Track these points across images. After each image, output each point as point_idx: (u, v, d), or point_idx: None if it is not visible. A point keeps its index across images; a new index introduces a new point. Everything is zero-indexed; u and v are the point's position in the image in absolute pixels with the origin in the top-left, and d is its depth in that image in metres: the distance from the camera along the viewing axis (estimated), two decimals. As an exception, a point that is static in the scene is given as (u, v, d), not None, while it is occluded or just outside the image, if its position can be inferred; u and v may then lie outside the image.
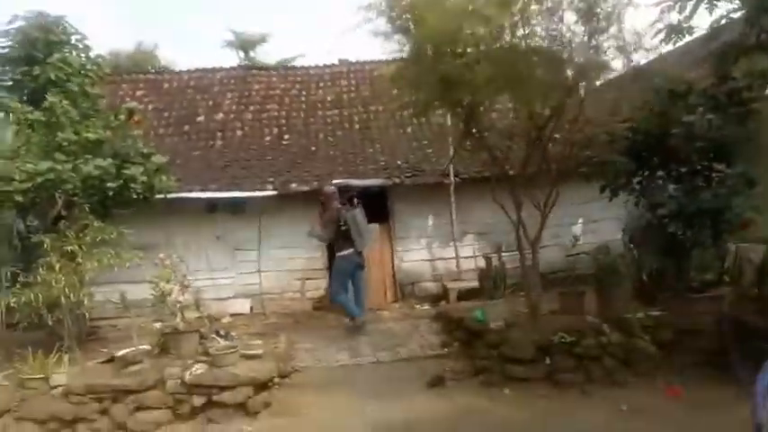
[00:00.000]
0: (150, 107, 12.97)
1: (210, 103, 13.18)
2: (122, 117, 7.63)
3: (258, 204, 10.05)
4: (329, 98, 13.39)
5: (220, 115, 12.81)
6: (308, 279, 10.18)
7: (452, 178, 9.98)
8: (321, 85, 13.86)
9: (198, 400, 5.72)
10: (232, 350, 6.14)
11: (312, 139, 12.13)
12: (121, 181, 7.24)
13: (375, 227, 9.58)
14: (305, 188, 9.57)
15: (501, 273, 6.81)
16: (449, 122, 9.57)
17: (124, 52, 19.56)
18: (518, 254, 6.95)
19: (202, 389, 5.73)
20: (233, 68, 14.59)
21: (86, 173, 6.90)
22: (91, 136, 7.10)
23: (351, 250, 8.25)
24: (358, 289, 8.48)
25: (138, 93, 13.44)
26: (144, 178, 7.44)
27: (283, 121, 12.73)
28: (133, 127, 7.80)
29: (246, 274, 10.12)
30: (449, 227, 10.22)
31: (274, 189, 9.68)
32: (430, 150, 11.22)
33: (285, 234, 10.13)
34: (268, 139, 12.26)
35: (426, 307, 9.68)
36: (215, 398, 5.71)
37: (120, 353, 6.17)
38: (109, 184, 7.16)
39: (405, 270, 10.34)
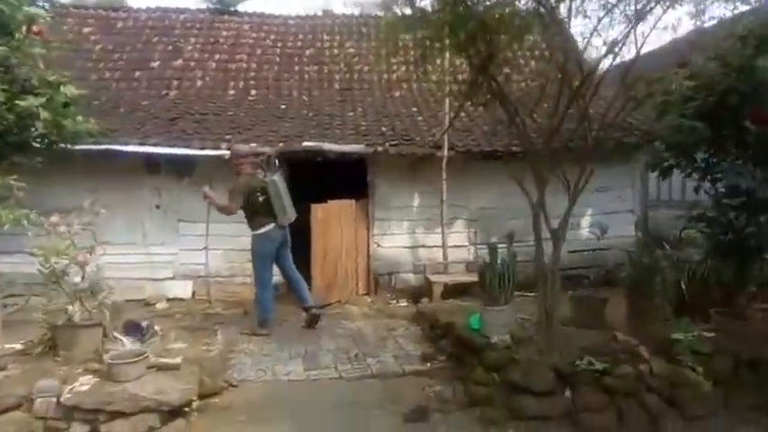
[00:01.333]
0: (98, 47, 11.01)
1: (170, 48, 11.25)
2: (21, 34, 5.70)
3: (209, 168, 8.27)
4: (308, 52, 11.56)
5: (179, 62, 10.90)
6: (265, 261, 8.44)
7: (446, 151, 8.30)
8: (300, 37, 12.01)
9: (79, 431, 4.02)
10: (138, 358, 4.42)
11: (284, 97, 10.32)
12: (12, 116, 5.39)
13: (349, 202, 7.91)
14: (267, 150, 7.80)
15: (510, 268, 5.16)
16: (447, 84, 7.86)
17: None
18: (527, 245, 5.35)
19: (86, 413, 4.02)
20: (200, 11, 12.61)
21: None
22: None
23: (272, 225, 6.69)
24: (290, 273, 6.96)
25: (86, 29, 11.44)
26: (46, 115, 5.57)
27: (252, 74, 10.88)
28: (35, 43, 5.86)
29: (190, 251, 8.36)
30: (437, 209, 8.56)
31: (228, 149, 7.88)
32: (421, 118, 9.51)
33: (241, 205, 8.37)
34: (232, 93, 10.41)
35: (405, 304, 8.05)
36: (103, 428, 4.00)
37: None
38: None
39: (381, 257, 8.68)
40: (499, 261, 5.16)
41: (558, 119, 4.82)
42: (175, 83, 10.49)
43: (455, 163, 8.48)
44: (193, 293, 8.33)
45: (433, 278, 7.96)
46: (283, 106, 9.84)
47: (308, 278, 7.87)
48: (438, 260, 8.59)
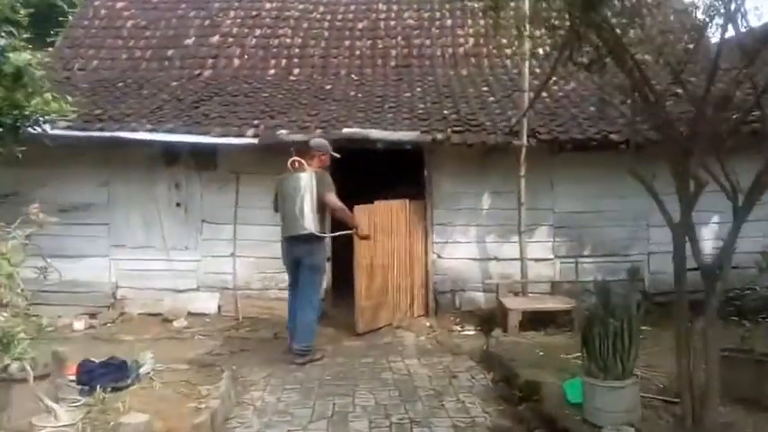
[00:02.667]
0: (130, 23, 9.94)
1: (206, 22, 10.01)
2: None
3: (236, 159, 6.93)
4: (360, 25, 10.02)
5: (216, 38, 9.65)
6: (301, 272, 7.03)
7: (525, 139, 6.54)
8: (352, 8, 10.47)
9: None
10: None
11: (330, 76, 8.85)
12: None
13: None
14: (297, 137, 6.33)
15: (634, 325, 3.39)
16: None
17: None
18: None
19: None
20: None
21: None
22: None
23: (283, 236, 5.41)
24: (296, 298, 5.51)
25: (119, 4, 10.39)
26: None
27: (296, 51, 9.46)
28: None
29: (215, 258, 7.08)
30: (513, 213, 6.84)
31: (255, 136, 6.49)
32: (492, 99, 7.78)
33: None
34: (272, 72, 9.05)
35: (471, 332, 6.41)
36: None
37: None
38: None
39: (443, 271, 7.07)
40: (613, 310, 3.41)
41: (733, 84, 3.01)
42: (210, 62, 9.24)
43: (537, 155, 6.72)
44: (219, 308, 7.04)
45: (508, 302, 6.25)
46: (329, 87, 8.36)
47: (349, 296, 6.42)
48: (514, 277, 6.88)
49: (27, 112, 4.28)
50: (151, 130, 6.50)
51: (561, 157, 6.89)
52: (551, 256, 7.05)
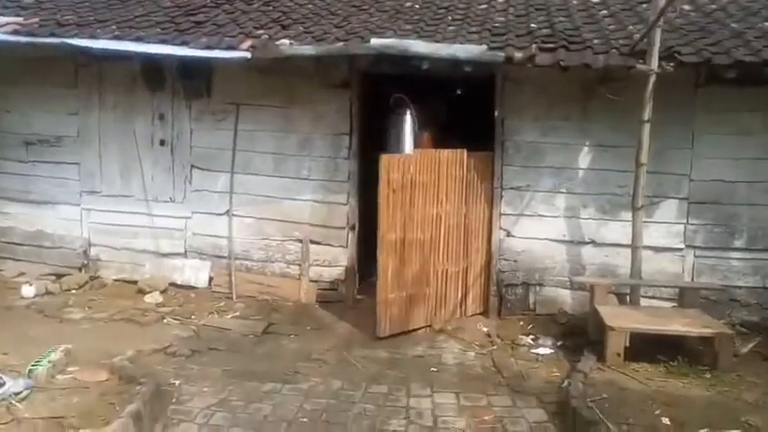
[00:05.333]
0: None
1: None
2: None
3: (234, 85, 5.11)
4: None
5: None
6: (315, 242, 5.17)
7: (654, 62, 4.13)
8: None
9: None
10: None
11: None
12: None
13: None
14: (305, 49, 4.35)
15: None
16: None
17: None
18: None
19: None
20: None
21: None
22: None
23: None
24: None
25: None
26: None
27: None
28: None
29: (208, 216, 5.37)
30: (626, 177, 4.53)
31: (251, 48, 4.56)
32: (605, 12, 5.36)
33: (282, 148, 5.16)
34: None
35: (547, 350, 4.28)
36: None
37: None
38: None
39: (513, 255, 4.93)
40: None
41: None
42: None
43: (671, 90, 4.33)
44: (210, 281, 5.37)
45: (609, 315, 4.02)
46: (378, -4, 6.22)
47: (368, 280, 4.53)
48: (620, 272, 4.63)
49: None
50: (115, 38, 4.76)
51: (709, 94, 4.47)
52: (681, 246, 4.69)
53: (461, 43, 4.43)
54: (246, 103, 5.17)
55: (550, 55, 4.27)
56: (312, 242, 5.17)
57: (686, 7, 5.25)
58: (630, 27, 4.82)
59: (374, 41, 4.25)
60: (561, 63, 4.16)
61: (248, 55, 4.51)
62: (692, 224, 4.67)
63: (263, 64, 4.80)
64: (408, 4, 5.90)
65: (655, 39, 4.10)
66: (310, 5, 5.82)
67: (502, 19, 5.28)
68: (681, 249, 4.70)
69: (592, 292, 4.31)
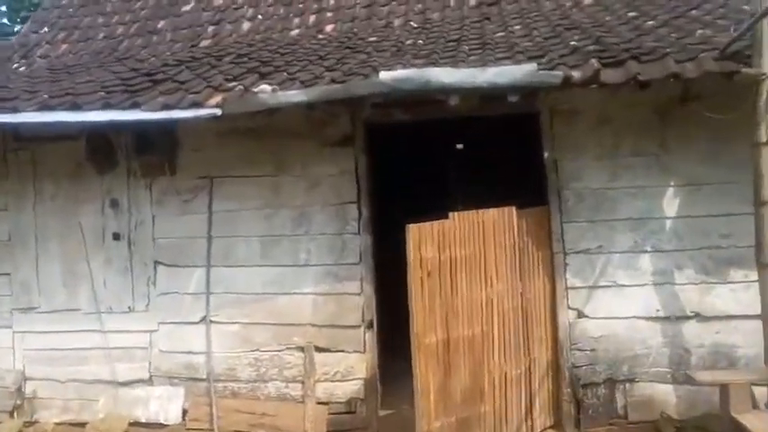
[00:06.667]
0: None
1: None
2: None
3: (205, 153, 4.01)
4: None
5: (221, 0, 6.89)
6: (321, 349, 3.88)
7: (766, 64, 3.02)
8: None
9: None
10: None
11: (377, 29, 5.75)
12: None
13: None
14: (296, 97, 3.25)
15: None
16: None
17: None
18: None
19: None
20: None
21: None
22: None
23: None
24: None
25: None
26: None
27: (331, 2, 6.47)
28: None
29: (179, 326, 4.09)
30: (727, 221, 3.35)
31: (222, 102, 3.46)
32: (654, 24, 4.34)
33: (272, 228, 3.99)
34: (295, 32, 6.09)
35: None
36: None
37: None
38: None
39: (588, 341, 3.64)
40: None
41: None
42: (211, 29, 6.44)
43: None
44: (184, 414, 4.02)
45: (758, 426, 2.70)
46: (372, 38, 5.25)
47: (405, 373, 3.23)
48: (739, 353, 3.36)
49: None
50: (43, 108, 3.67)
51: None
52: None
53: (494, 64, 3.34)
54: (222, 175, 4.04)
55: (620, 70, 3.16)
56: (318, 349, 3.88)
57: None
58: (700, 31, 3.77)
59: (384, 75, 3.15)
60: (639, 77, 3.05)
61: (218, 111, 3.41)
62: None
63: (241, 124, 3.73)
64: (410, 41, 4.90)
65: (760, 34, 3.01)
66: (294, 52, 4.82)
67: (529, 43, 4.24)
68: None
69: (724, 393, 3.00)
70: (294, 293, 3.94)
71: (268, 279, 3.97)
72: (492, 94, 3.25)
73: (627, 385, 3.62)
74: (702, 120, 3.37)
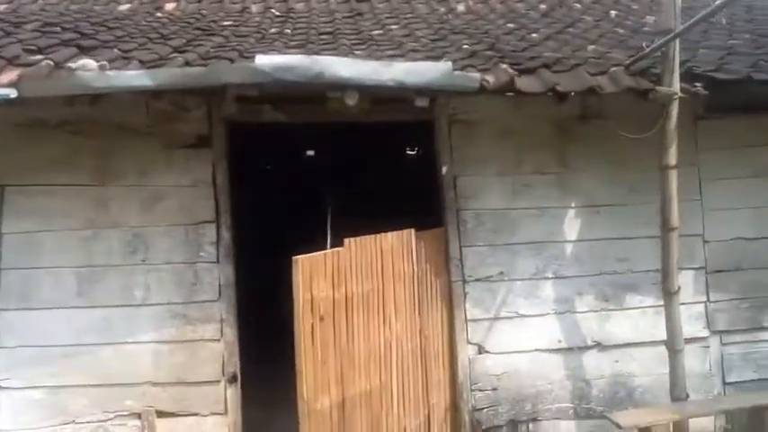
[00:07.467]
0: None
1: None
2: None
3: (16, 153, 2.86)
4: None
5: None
6: (165, 414, 2.96)
7: (676, 83, 2.86)
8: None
9: None
10: None
11: (232, 13, 4.89)
12: None
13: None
14: (139, 80, 2.37)
15: None
16: None
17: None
18: None
19: None
20: None
21: None
22: None
23: None
24: None
25: None
26: None
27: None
28: None
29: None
30: (623, 245, 3.22)
31: (19, 80, 2.42)
32: (575, 31, 4.15)
33: (93, 256, 2.97)
34: (126, 7, 4.96)
35: None
36: None
37: None
38: None
39: (489, 379, 3.23)
40: None
41: None
42: None
43: (688, 121, 3.12)
44: None
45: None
46: (226, 22, 4.40)
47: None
48: (637, 383, 3.20)
49: None
50: None
51: (710, 127, 3.35)
52: (704, 333, 3.40)
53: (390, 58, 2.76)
54: (19, 183, 2.93)
55: (534, 78, 2.79)
56: (161, 414, 2.95)
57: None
58: (592, 47, 3.60)
59: (262, 60, 2.39)
60: (557, 88, 2.70)
61: (12, 93, 2.37)
62: (711, 303, 3.43)
63: (51, 114, 2.71)
64: (274, 30, 4.16)
65: (673, 53, 2.84)
66: (124, 27, 3.79)
67: (415, 43, 3.77)
68: (704, 338, 3.41)
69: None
70: (125, 343, 2.96)
71: (86, 325, 2.94)
72: (393, 96, 2.68)
73: (530, 425, 3.27)
74: (603, 138, 3.17)
